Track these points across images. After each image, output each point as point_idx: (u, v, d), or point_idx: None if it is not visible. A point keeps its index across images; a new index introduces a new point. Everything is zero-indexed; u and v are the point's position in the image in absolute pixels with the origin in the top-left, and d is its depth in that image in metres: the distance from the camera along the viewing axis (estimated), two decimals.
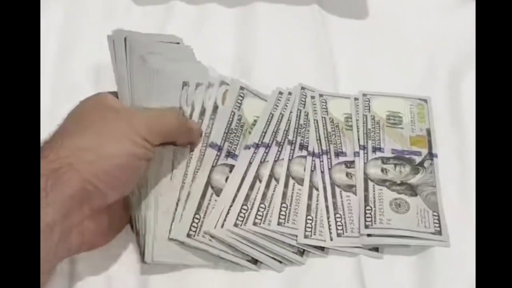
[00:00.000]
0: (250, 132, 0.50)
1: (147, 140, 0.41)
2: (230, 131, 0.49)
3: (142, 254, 0.43)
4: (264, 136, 0.50)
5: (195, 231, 0.45)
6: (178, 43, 0.52)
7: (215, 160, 0.48)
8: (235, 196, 0.47)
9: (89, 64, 0.56)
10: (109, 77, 0.48)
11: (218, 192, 0.47)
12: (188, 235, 0.44)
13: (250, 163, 0.49)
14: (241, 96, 0.51)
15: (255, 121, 0.51)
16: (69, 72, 0.55)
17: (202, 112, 0.49)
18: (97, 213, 0.41)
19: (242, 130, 0.50)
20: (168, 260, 0.44)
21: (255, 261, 0.46)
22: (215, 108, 0.50)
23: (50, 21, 0.58)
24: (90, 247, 0.43)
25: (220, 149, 0.48)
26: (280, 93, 0.54)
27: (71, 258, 0.45)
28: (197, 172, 0.47)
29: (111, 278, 0.46)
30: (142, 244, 0.44)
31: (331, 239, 0.46)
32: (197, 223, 0.45)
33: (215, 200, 0.46)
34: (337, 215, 0.48)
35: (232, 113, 0.50)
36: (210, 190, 0.46)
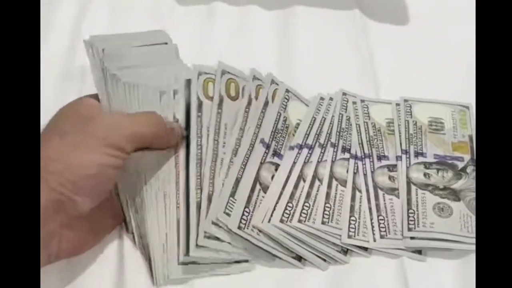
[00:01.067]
0: (293, 134, 0.51)
1: (120, 148, 0.41)
2: (277, 131, 0.50)
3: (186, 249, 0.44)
4: (307, 138, 0.51)
5: (245, 224, 0.45)
6: (166, 43, 0.51)
7: (263, 157, 0.49)
8: (281, 193, 0.47)
9: None
10: None
11: (264, 188, 0.47)
12: (239, 227, 0.45)
13: (294, 163, 0.49)
14: (287, 99, 0.52)
15: (298, 124, 0.52)
16: None
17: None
18: (75, 220, 0.41)
19: (287, 131, 0.51)
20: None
21: (299, 258, 0.46)
22: (266, 103, 0.51)
23: (96, 20, 0.59)
24: (70, 253, 0.44)
25: (268, 147, 0.49)
26: (322, 98, 0.54)
27: None
28: (244, 164, 0.47)
29: None
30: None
31: (374, 240, 0.47)
32: (246, 217, 0.45)
33: (262, 196, 0.47)
34: (380, 217, 0.48)
35: (279, 114, 0.51)
36: (258, 186, 0.47)
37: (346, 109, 0.54)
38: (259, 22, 0.61)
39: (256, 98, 0.51)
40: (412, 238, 0.47)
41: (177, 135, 0.47)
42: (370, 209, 0.48)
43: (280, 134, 0.50)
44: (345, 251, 0.47)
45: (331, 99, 0.54)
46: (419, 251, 0.47)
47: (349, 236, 0.46)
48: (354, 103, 0.54)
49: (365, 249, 0.47)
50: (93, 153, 0.40)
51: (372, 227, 0.47)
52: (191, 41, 0.59)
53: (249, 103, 0.50)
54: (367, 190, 0.49)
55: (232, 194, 0.46)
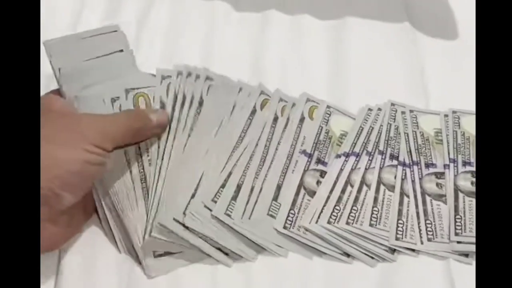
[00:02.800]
0: (338, 144, 0.53)
1: (99, 146, 0.42)
2: (319, 142, 0.53)
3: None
4: (354, 146, 0.53)
5: (291, 224, 0.47)
6: (121, 50, 0.52)
7: (307, 165, 0.51)
8: (328, 197, 0.49)
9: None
10: None
11: (310, 193, 0.50)
12: (285, 227, 0.47)
13: (341, 169, 0.51)
14: (328, 114, 0.54)
15: (342, 134, 0.54)
16: None
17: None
18: (57, 215, 0.43)
19: (330, 141, 0.53)
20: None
21: (347, 255, 0.47)
22: (302, 119, 0.53)
23: (156, 23, 0.62)
24: (49, 248, 0.45)
25: (310, 156, 0.51)
26: (370, 109, 0.56)
27: None
28: (292, 173, 0.50)
29: None
30: None
31: (422, 243, 0.48)
32: (292, 218, 0.48)
33: (308, 200, 0.49)
34: (428, 221, 0.49)
35: (320, 127, 0.53)
36: (302, 190, 0.49)
37: (394, 119, 0.55)
38: (311, 31, 0.63)
39: (282, 114, 0.54)
40: (458, 242, 0.48)
41: (162, 123, 0.49)
42: (417, 213, 0.49)
43: (323, 145, 0.53)
44: (393, 250, 0.48)
45: (379, 109, 0.56)
46: (465, 254, 0.48)
47: (397, 238, 0.48)
48: (403, 113, 0.56)
49: (413, 250, 0.48)
50: (78, 150, 0.41)
51: (420, 230, 0.48)
52: (245, 47, 0.61)
53: (275, 119, 0.53)
54: (415, 196, 0.50)
55: (275, 198, 0.48)
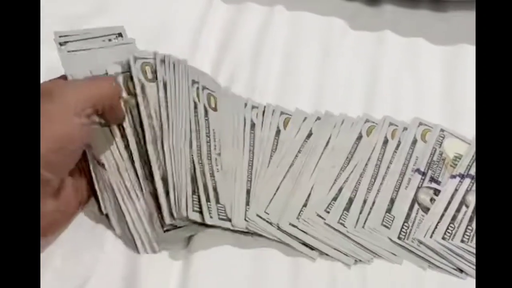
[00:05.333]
0: (451, 166, 0.54)
1: (83, 109, 0.41)
2: (432, 162, 0.53)
3: None
4: (469, 169, 0.53)
5: (405, 236, 0.48)
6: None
7: (420, 182, 0.52)
8: (442, 215, 0.50)
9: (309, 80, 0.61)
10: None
11: (423, 209, 0.50)
12: (399, 238, 0.48)
13: (456, 190, 0.51)
14: (442, 137, 0.55)
15: (456, 157, 0.54)
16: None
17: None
18: (43, 199, 0.41)
19: (443, 162, 0.54)
20: None
21: (461, 271, 0.47)
22: (414, 141, 0.55)
23: (276, 39, 0.64)
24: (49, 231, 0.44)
25: (424, 174, 0.52)
26: None
27: None
28: (405, 189, 0.51)
29: None
30: None
31: None
32: (406, 230, 0.49)
33: (422, 215, 0.50)
34: None
35: (434, 149, 0.54)
36: (416, 206, 0.50)
37: None
38: (426, 55, 0.63)
39: (392, 138, 0.55)
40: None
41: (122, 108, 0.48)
42: None
43: (436, 165, 0.53)
44: None
45: None
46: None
47: None
48: None
49: None
50: (54, 125, 0.40)
51: None
52: (360, 67, 0.62)
53: (385, 142, 0.54)
54: None
55: (389, 211, 0.50)
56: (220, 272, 0.47)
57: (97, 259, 0.46)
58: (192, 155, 0.48)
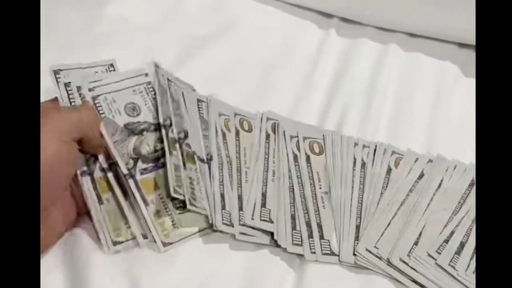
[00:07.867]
0: None
1: (69, 133, 0.43)
2: None
3: None
4: None
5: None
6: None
7: None
8: None
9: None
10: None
11: None
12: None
13: None
14: None
15: None
16: None
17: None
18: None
19: None
20: None
21: None
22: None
23: (389, 79, 0.65)
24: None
25: None
26: None
27: None
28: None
29: None
30: None
31: None
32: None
33: None
34: None
35: None
36: None
37: None
38: None
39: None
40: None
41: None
42: None
43: None
44: None
45: None
46: None
47: None
48: None
49: None
50: (48, 143, 0.41)
51: None
52: (473, 114, 0.60)
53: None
54: None
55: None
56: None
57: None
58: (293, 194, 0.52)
